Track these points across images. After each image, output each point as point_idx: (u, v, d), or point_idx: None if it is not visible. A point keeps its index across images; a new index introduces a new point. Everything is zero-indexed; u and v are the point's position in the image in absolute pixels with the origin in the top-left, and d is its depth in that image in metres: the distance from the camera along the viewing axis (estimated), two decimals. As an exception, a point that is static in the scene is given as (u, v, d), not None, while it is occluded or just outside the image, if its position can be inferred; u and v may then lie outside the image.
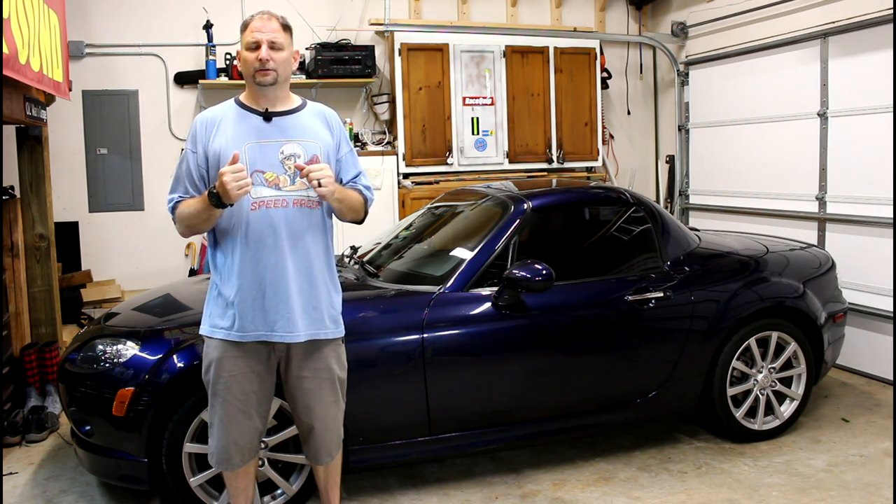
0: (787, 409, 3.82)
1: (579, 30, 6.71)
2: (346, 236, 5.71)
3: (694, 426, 3.94)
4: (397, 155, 6.00)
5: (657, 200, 6.92)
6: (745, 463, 3.55)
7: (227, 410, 2.51)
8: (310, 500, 3.09)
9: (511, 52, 6.25)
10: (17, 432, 3.93)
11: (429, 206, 4.32)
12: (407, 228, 4.13)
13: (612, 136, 7.07)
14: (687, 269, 3.68)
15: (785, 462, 3.55)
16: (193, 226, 2.46)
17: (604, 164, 6.89)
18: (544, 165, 6.44)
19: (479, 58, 6.18)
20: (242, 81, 2.72)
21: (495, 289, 3.31)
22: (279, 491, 3.06)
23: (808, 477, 3.40)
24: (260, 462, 2.98)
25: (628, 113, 7.18)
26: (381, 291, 3.35)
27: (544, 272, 3.19)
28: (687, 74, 6.39)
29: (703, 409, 3.69)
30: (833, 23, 4.94)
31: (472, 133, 6.19)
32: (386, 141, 6.14)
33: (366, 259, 3.84)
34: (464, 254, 3.44)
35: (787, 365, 3.80)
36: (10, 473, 3.56)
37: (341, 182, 2.58)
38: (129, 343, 3.08)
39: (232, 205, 2.35)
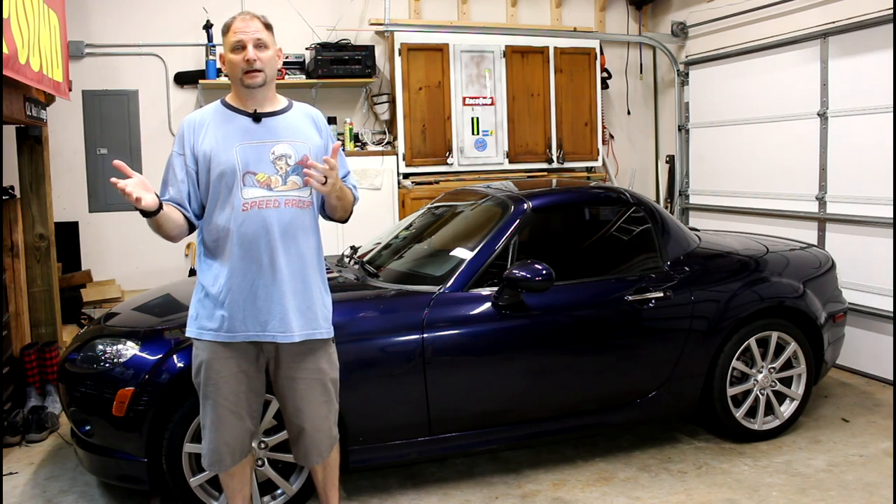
0: (787, 409, 3.82)
1: (579, 30, 6.71)
2: (346, 236, 5.71)
3: (694, 426, 3.94)
4: (397, 155, 6.00)
5: (657, 200, 6.92)
6: (745, 463, 3.55)
7: (217, 412, 2.51)
8: (310, 500, 3.09)
9: (511, 52, 6.25)
10: (17, 432, 3.93)
11: (429, 206, 4.33)
12: (407, 228, 4.13)
13: (612, 136, 7.07)
14: (687, 269, 3.68)
15: (785, 462, 3.55)
16: (155, 232, 2.45)
17: (604, 164, 6.89)
18: (544, 165, 6.44)
19: (479, 58, 6.18)
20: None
21: (495, 289, 3.31)
22: (279, 491, 3.06)
23: (808, 477, 3.40)
24: (260, 462, 2.99)
25: (628, 113, 7.18)
26: (381, 291, 3.35)
27: (544, 272, 3.19)
28: (687, 74, 6.39)
29: (703, 409, 3.69)
30: (833, 23, 4.94)
31: (472, 133, 6.19)
32: (386, 141, 6.15)
33: (366, 259, 3.85)
34: (464, 254, 3.44)
35: (787, 365, 3.80)
36: (10, 473, 3.56)
37: None
38: (129, 343, 3.08)
39: (155, 212, 2.32)
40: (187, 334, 2.55)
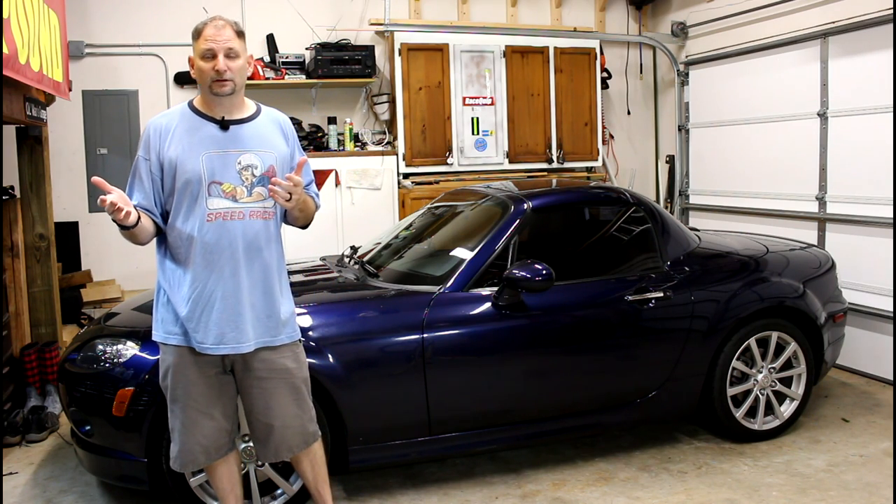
0: (787, 409, 3.82)
1: (579, 30, 6.71)
2: (346, 236, 5.72)
3: (694, 426, 3.94)
4: (397, 155, 6.00)
5: (657, 200, 6.92)
6: (745, 463, 3.55)
7: (188, 414, 2.51)
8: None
9: (511, 52, 6.25)
10: (17, 432, 3.93)
11: (429, 206, 4.33)
12: (407, 228, 4.13)
13: (612, 136, 7.07)
14: (687, 269, 3.68)
15: (785, 462, 3.55)
16: (128, 240, 2.44)
17: (604, 164, 6.89)
18: (544, 165, 6.44)
19: (479, 58, 6.18)
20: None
21: (495, 289, 3.31)
22: (279, 491, 3.06)
23: (808, 477, 3.40)
24: (260, 462, 2.99)
25: (628, 113, 7.18)
26: (381, 291, 3.35)
27: (544, 272, 3.19)
28: (687, 74, 6.39)
29: (703, 409, 3.69)
30: (833, 23, 4.94)
31: (472, 133, 6.19)
32: (386, 141, 6.14)
33: (366, 259, 3.85)
34: (464, 254, 3.44)
35: (787, 365, 3.80)
36: (10, 473, 3.57)
37: None
38: (129, 343, 3.08)
39: (134, 225, 2.33)
40: (154, 338, 2.55)
